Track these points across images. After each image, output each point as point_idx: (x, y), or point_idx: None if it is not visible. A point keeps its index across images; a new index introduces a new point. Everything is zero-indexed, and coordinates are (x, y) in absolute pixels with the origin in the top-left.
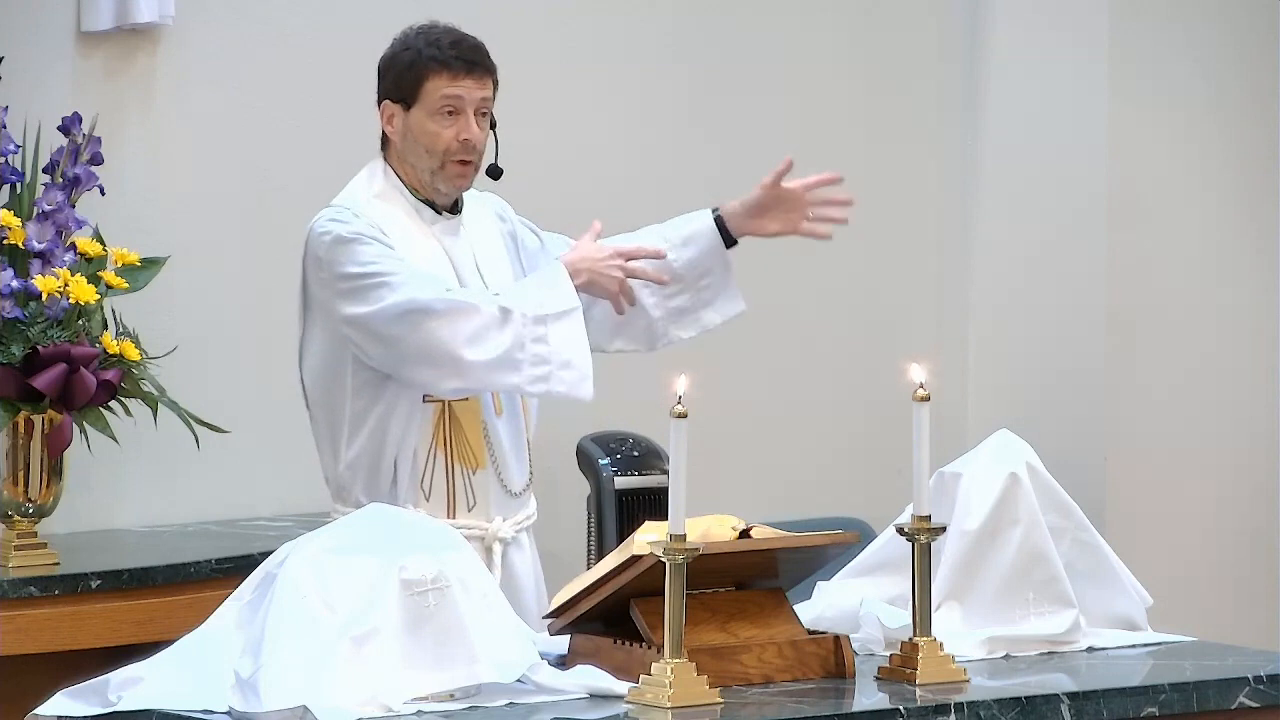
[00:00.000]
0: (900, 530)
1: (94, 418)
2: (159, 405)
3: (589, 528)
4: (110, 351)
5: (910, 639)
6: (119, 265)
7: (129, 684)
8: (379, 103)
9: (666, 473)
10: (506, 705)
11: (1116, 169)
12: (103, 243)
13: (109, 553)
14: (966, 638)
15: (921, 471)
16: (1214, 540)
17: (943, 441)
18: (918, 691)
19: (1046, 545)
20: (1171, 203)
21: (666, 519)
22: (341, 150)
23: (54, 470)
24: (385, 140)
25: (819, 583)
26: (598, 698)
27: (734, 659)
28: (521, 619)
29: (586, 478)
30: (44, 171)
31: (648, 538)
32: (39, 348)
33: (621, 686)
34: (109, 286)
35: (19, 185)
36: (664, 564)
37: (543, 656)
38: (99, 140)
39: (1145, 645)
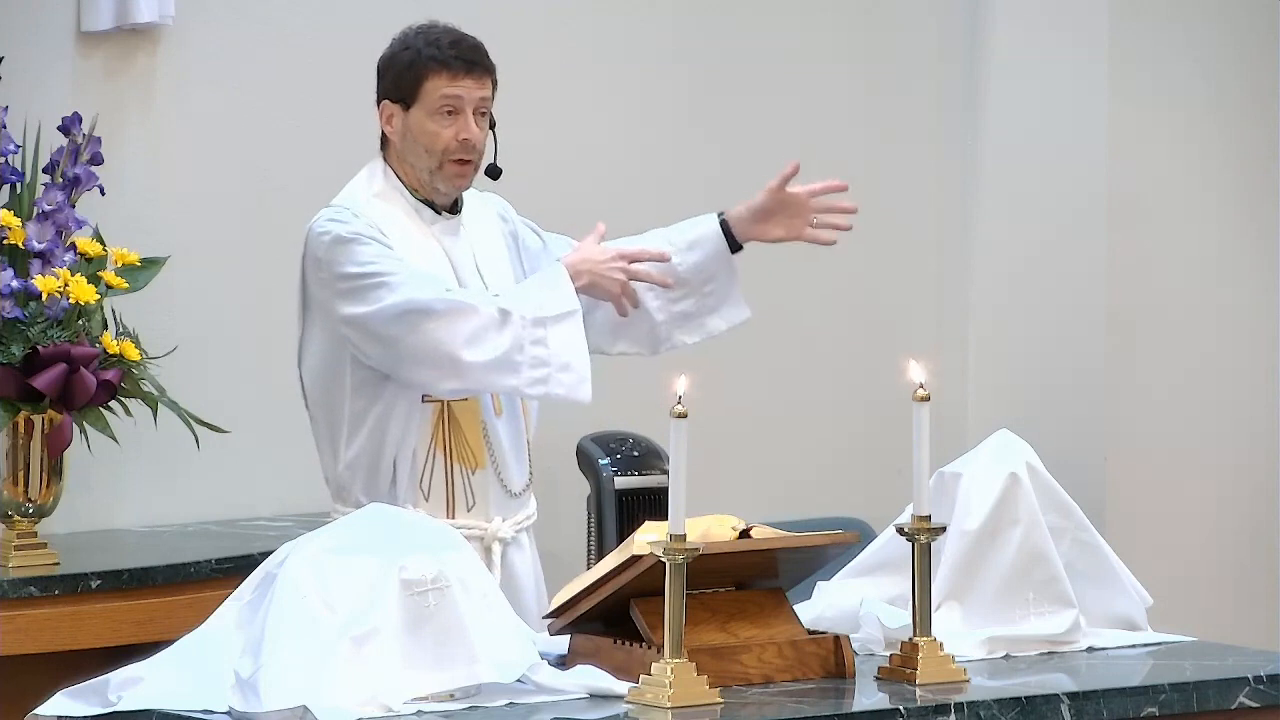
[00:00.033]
0: (900, 530)
1: (94, 418)
2: (159, 405)
3: (589, 528)
4: (110, 351)
5: (910, 639)
6: (119, 265)
7: (129, 684)
8: (378, 102)
9: (666, 473)
10: (506, 705)
11: (1116, 169)
12: (103, 243)
13: (109, 553)
14: (966, 638)
15: (921, 471)
16: (1214, 540)
17: (943, 441)
18: (918, 691)
19: (1046, 545)
20: (1171, 203)
21: (666, 519)
22: (341, 150)
23: (54, 470)
24: (385, 140)
25: (819, 583)
26: (598, 698)
27: (734, 659)
28: (521, 619)
29: (586, 478)
30: (44, 171)
31: (648, 538)
32: (39, 348)
33: (621, 686)
34: (109, 286)
35: (19, 185)
36: (664, 564)
37: (543, 656)
38: (99, 140)
39: (1145, 645)
